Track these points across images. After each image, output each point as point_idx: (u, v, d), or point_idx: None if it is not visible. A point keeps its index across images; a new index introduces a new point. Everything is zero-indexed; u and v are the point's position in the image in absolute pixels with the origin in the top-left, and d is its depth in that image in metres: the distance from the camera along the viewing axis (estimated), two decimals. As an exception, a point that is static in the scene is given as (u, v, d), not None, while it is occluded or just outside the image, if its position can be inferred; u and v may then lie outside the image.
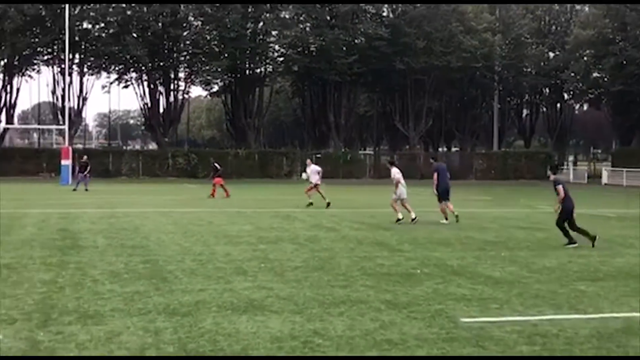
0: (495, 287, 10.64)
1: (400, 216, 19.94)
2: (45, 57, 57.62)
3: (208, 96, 70.74)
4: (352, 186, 46.17)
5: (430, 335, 7.69)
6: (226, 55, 55.65)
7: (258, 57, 58.08)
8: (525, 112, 76.01)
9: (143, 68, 57.09)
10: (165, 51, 57.09)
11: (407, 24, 56.16)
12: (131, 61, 56.14)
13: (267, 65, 59.75)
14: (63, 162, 43.35)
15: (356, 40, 58.10)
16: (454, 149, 76.31)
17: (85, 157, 38.39)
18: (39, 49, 56.13)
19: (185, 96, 61.91)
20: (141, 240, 15.45)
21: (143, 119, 61.71)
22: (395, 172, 20.35)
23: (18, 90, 57.92)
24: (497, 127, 68.47)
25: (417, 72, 57.30)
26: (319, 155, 58.96)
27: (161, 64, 56.95)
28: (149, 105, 58.75)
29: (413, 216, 19.95)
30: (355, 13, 57.06)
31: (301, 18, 57.55)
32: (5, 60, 54.96)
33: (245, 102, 59.44)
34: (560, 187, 15.30)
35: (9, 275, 10.89)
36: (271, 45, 59.13)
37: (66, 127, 46.11)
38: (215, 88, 64.30)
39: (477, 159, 62.13)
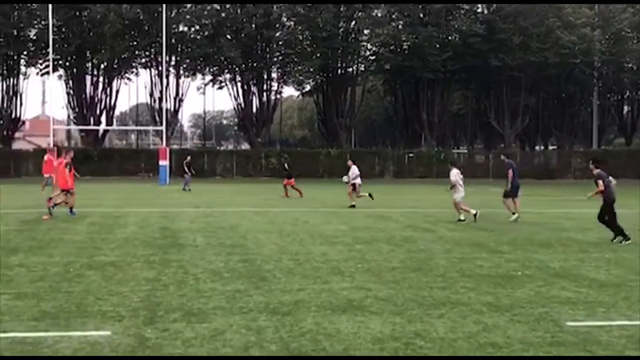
0: (600, 290, 10.29)
1: (473, 210, 19.92)
2: (143, 60, 59.33)
3: (300, 96, 71.24)
4: (445, 186, 45.49)
5: (535, 339, 7.51)
6: (318, 55, 56.00)
7: (350, 56, 58.21)
8: (626, 108, 73.15)
9: (237, 69, 58.15)
10: (259, 52, 57.91)
11: (502, 20, 55.06)
12: (225, 62, 57.27)
13: (359, 64, 59.80)
14: (161, 162, 44.57)
15: (450, 37, 57.43)
16: (551, 147, 74.29)
17: (189, 157, 39.46)
18: (137, 52, 57.92)
19: (278, 96, 62.59)
20: (239, 239, 15.67)
21: (236, 120, 62.77)
22: (455, 174, 20.20)
23: (117, 92, 60.04)
24: (596, 125, 66.34)
25: (512, 69, 56.07)
26: (411, 155, 58.69)
27: (254, 64, 57.76)
28: (243, 105, 59.71)
29: (462, 218, 20.03)
30: (449, 10, 56.32)
31: (393, 16, 57.29)
32: (105, 64, 56.92)
33: (337, 101, 59.65)
34: (601, 181, 15.46)
35: (114, 273, 11.24)
36: (363, 44, 59.20)
37: (164, 128, 47.41)
38: (307, 88, 64.85)
39: (576, 157, 60.30)
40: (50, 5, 46.51)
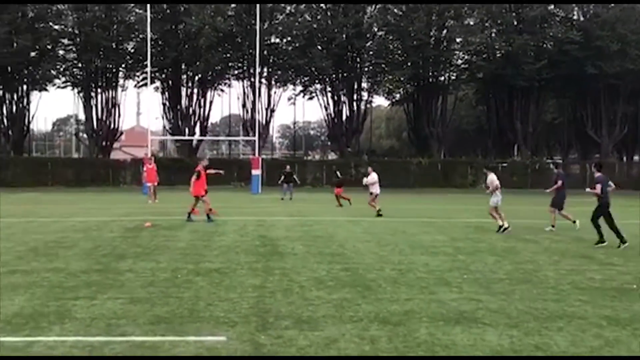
0: None
1: (505, 224, 19.55)
2: (236, 72, 60.28)
3: (390, 105, 70.83)
4: (541, 196, 44.29)
5: (662, 355, 7.15)
6: (409, 64, 55.64)
7: (441, 65, 57.51)
8: None
9: (327, 79, 58.38)
10: (349, 62, 57.99)
11: (599, 27, 53.32)
12: (316, 73, 57.57)
13: (451, 73, 58.98)
14: (254, 172, 45.08)
15: (545, 45, 55.99)
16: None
17: (288, 167, 39.91)
18: (230, 64, 58.91)
19: (368, 106, 62.40)
20: (337, 248, 15.62)
21: (325, 130, 63.01)
22: (494, 179, 19.94)
23: (210, 103, 61.10)
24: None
25: (610, 77, 54.14)
26: (504, 164, 57.50)
27: (345, 74, 57.89)
28: (333, 115, 59.89)
29: (505, 225, 19.55)
30: (544, 17, 54.96)
31: (486, 24, 56.36)
32: (200, 76, 58.14)
33: (428, 110, 59.10)
34: (598, 185, 16.38)
35: (221, 280, 11.36)
36: (455, 52, 58.40)
37: (256, 138, 47.97)
38: (397, 97, 64.53)
39: (677, 167, 57.82)
40: (148, 20, 47.76)
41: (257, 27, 47.15)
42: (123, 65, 58.88)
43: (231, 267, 12.67)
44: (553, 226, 20.33)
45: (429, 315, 8.85)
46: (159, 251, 14.88)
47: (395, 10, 56.63)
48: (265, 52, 56.76)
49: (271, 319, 8.55)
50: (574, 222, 20.26)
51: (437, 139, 58.94)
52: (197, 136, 60.36)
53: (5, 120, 57.58)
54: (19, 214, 24.52)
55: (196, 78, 58.69)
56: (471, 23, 55.43)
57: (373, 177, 25.91)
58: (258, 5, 48.11)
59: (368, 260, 13.75)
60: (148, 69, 48.75)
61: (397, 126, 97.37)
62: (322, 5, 56.58)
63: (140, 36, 58.09)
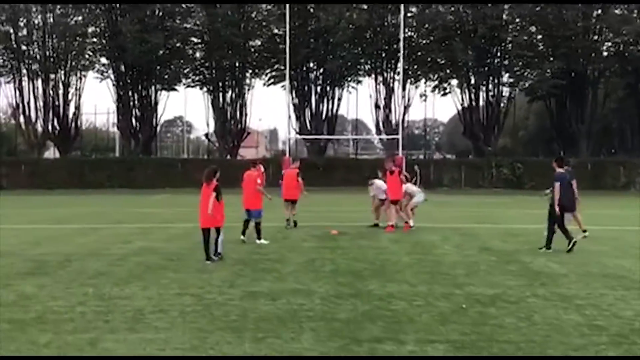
0: None
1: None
2: (367, 67, 57.63)
3: (529, 102, 66.15)
4: None
5: None
6: (553, 57, 51.52)
7: (590, 58, 52.89)
8: None
9: (467, 73, 54.87)
10: (489, 55, 54.29)
11: None
12: (455, 67, 54.25)
13: (599, 66, 54.07)
14: (398, 171, 42.13)
15: None
16: None
17: (416, 167, 37.20)
18: (361, 60, 56.35)
19: (508, 102, 58.08)
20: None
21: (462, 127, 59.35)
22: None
23: (339, 101, 58.47)
24: None
25: None
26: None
27: (485, 68, 54.26)
28: (470, 112, 56.33)
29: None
30: None
31: (634, 14, 51.61)
32: (331, 73, 55.67)
33: (575, 106, 54.63)
34: (557, 184, 14.54)
35: (517, 310, 8.52)
36: (605, 43, 53.76)
37: (400, 136, 45.18)
38: (538, 93, 60.05)
39: None
40: (287, 14, 45.56)
41: (402, 20, 44.26)
42: (253, 63, 57.31)
43: (506, 294, 9.84)
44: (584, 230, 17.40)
45: None
46: (395, 268, 12.27)
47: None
48: (396, 47, 54.11)
49: None
50: (584, 231, 17.42)
51: (586, 136, 54.39)
52: (329, 136, 57.90)
53: (134, 121, 57.00)
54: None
55: (327, 75, 56.22)
56: (624, 12, 50.77)
57: (378, 184, 20.81)
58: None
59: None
60: (287, 69, 46.10)
61: (510, 124, 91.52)
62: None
63: (270, 33, 56.50)
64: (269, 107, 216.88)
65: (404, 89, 55.32)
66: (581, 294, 9.95)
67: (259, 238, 16.42)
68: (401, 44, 44.86)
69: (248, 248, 15.49)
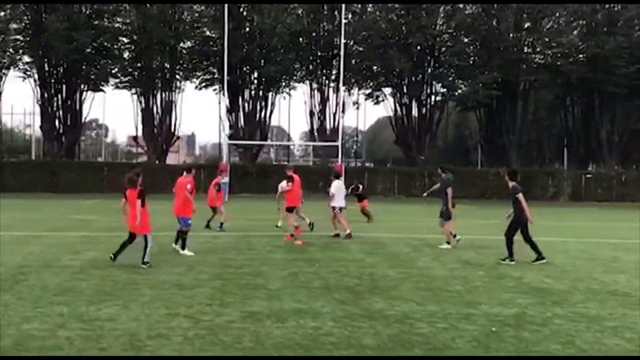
0: None
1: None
2: (301, 74, 56.83)
3: (459, 112, 66.91)
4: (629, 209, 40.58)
5: None
6: (488, 68, 52.10)
7: (522, 68, 53.67)
8: None
9: (402, 82, 54.87)
10: (424, 64, 54.46)
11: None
12: (389, 75, 54.21)
13: (530, 77, 54.88)
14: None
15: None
16: None
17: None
18: (296, 66, 55.62)
19: (439, 112, 58.33)
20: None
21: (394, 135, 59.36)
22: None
23: (272, 106, 57.37)
24: None
25: None
26: (589, 175, 53.97)
27: (418, 77, 54.41)
28: (403, 121, 56.38)
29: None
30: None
31: (573, 24, 52.84)
32: (264, 78, 54.74)
33: (505, 117, 55.39)
34: (521, 195, 14.39)
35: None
36: (536, 55, 54.71)
37: (339, 144, 44.78)
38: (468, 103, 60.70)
39: None
40: (225, 14, 44.39)
41: (342, 26, 43.76)
42: (184, 65, 55.76)
43: (527, 314, 9.20)
44: (448, 242, 17.36)
45: None
46: (388, 284, 11.48)
47: (470, 10, 53.19)
48: (332, 53, 53.85)
49: None
50: (455, 235, 17.39)
51: (515, 147, 55.15)
52: (269, 142, 56.97)
53: (57, 123, 54.45)
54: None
55: (262, 80, 55.13)
56: (560, 22, 51.80)
57: (337, 185, 20.17)
58: (343, 5, 44.69)
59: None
60: (224, 71, 45.03)
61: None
62: (395, 4, 53.19)
63: (202, 35, 55.13)
64: (187, 112, 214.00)
65: (344, 92, 54.97)
66: (604, 314, 9.40)
67: (183, 248, 15.34)
68: (341, 49, 44.31)
69: (214, 259, 14.47)
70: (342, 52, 44.48)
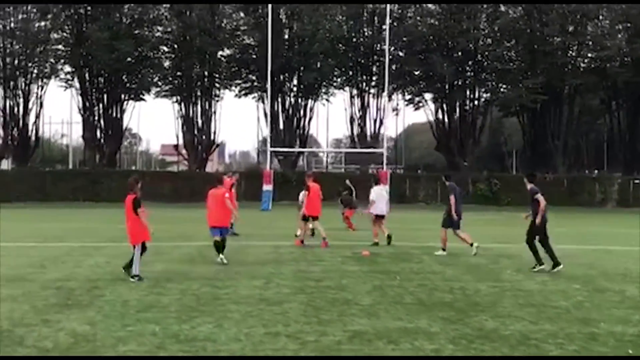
0: None
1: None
2: (340, 80, 56.19)
3: (502, 117, 65.58)
4: None
5: None
6: (534, 72, 51.04)
7: (568, 72, 52.47)
8: None
9: (445, 87, 54.00)
10: (467, 69, 53.58)
11: None
12: (431, 80, 53.38)
13: (577, 80, 53.61)
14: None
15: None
16: None
17: (347, 181, 36.02)
18: (336, 72, 55.05)
19: (481, 117, 57.27)
20: None
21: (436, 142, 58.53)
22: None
23: (311, 111, 56.93)
24: None
25: None
26: (637, 181, 52.59)
27: (461, 82, 53.50)
28: (445, 126, 55.50)
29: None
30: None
31: (619, 27, 51.58)
32: (305, 84, 54.15)
33: (551, 121, 54.16)
34: (541, 196, 14.07)
35: None
36: (582, 58, 53.52)
37: (384, 150, 44.27)
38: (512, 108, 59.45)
39: None
40: (269, 19, 43.92)
41: (387, 31, 43.02)
42: (223, 73, 55.46)
43: None
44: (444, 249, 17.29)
45: None
46: (485, 300, 10.80)
47: (513, 13, 52.23)
48: (372, 59, 53.28)
49: None
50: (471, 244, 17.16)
51: (561, 152, 53.95)
52: (305, 149, 56.35)
53: (98, 132, 54.43)
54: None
55: (301, 87, 54.65)
56: (606, 26, 50.60)
57: (377, 192, 19.82)
58: (388, 6, 43.96)
59: None
60: (268, 78, 44.48)
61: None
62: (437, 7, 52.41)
63: (242, 43, 54.79)
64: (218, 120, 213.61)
65: (374, 103, 54.33)
66: None
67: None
68: (386, 56, 43.66)
69: (288, 271, 13.90)
70: (387, 58, 43.79)
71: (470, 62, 53.52)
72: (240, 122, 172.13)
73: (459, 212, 17.09)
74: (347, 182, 35.76)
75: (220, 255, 14.96)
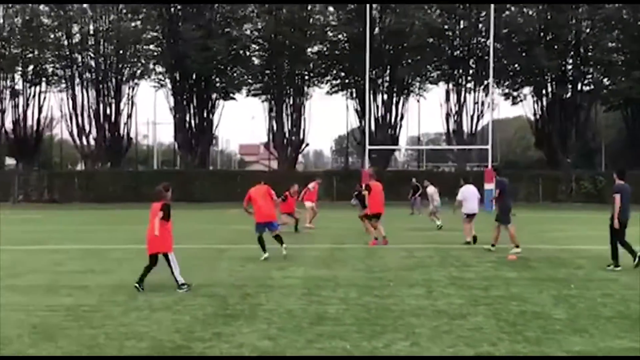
0: None
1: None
2: (435, 75, 54.44)
3: (605, 111, 62.33)
4: None
5: None
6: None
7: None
8: None
9: (545, 80, 51.78)
10: (570, 61, 51.18)
11: None
12: (531, 73, 51.24)
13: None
14: (487, 186, 38.54)
15: None
16: None
17: (413, 179, 35.89)
18: (430, 66, 53.40)
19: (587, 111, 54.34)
20: None
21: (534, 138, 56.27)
22: None
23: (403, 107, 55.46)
24: None
25: None
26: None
27: (565, 75, 51.15)
28: (544, 120, 53.20)
29: None
30: None
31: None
32: (398, 80, 52.75)
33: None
34: (618, 196, 13.56)
35: None
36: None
37: (489, 146, 42.25)
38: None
39: None
40: (368, 13, 42.69)
41: (491, 24, 41.19)
42: (314, 70, 54.54)
43: None
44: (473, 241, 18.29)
45: None
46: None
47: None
48: (469, 52, 51.54)
49: None
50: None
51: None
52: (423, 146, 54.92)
53: (192, 131, 54.29)
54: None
55: (394, 83, 53.21)
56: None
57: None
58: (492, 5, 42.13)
59: None
60: (366, 74, 43.31)
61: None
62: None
63: (333, 39, 53.75)
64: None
65: (471, 97, 52.47)
66: None
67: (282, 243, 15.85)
68: (491, 47, 41.91)
69: (439, 277, 12.73)
70: (491, 52, 41.95)
71: (572, 55, 51.03)
72: (311, 122, 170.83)
73: (508, 207, 16.97)
74: (413, 180, 34.92)
75: (284, 246, 15.60)
